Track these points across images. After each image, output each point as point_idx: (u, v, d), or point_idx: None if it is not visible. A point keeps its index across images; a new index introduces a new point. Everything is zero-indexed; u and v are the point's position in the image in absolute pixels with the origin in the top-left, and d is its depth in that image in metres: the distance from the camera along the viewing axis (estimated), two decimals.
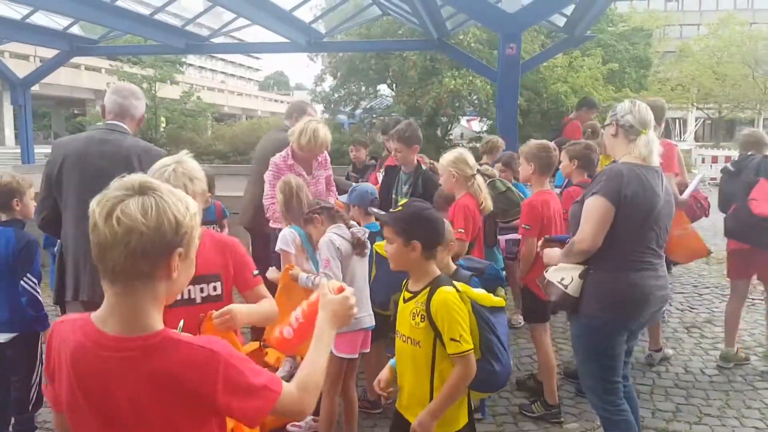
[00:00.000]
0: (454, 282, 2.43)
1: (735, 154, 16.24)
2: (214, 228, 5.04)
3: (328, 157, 4.76)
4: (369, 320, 3.46)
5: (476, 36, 15.57)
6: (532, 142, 4.14)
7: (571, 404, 4.17)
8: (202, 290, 2.37)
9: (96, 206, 1.30)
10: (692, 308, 6.32)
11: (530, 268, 3.88)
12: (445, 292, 2.32)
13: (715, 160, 20.25)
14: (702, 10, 56.45)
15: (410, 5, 9.14)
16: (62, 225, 3.20)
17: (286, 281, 3.56)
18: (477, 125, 25.25)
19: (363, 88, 19.87)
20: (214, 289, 2.39)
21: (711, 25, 41.41)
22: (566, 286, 2.96)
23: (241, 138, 20.49)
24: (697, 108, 44.80)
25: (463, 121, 23.52)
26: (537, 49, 15.83)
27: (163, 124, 23.52)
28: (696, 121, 52.42)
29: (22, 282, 3.28)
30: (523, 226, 3.89)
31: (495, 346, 2.42)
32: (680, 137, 46.73)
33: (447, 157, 3.95)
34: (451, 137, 19.51)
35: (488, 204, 4.00)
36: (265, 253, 4.43)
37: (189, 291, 2.34)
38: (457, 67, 15.97)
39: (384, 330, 3.76)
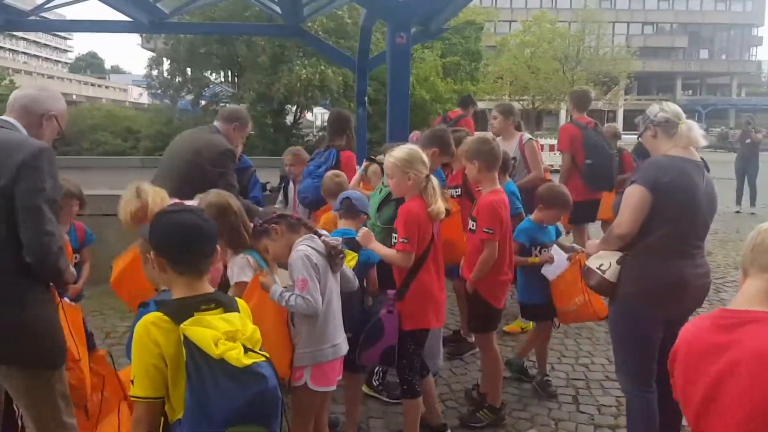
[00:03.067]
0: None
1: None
2: (75, 258, 4.05)
3: None
4: (345, 346, 3.04)
5: (323, 24, 15.32)
6: (469, 138, 3.93)
7: (520, 407, 4.10)
8: None
9: None
10: None
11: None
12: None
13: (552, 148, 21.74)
14: (513, 7, 60.76)
15: None
16: None
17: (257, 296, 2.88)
18: (310, 115, 25.13)
19: (208, 73, 18.84)
20: None
21: (525, 22, 44.92)
22: (604, 272, 3.04)
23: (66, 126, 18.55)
24: (513, 99, 48.32)
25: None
26: (381, 38, 15.93)
27: None
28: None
29: None
30: (484, 230, 3.56)
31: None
32: None
33: (398, 155, 3.26)
34: (300, 126, 19.19)
35: (440, 209, 3.29)
36: None
37: None
38: (306, 55, 15.66)
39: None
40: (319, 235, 2.96)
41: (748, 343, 1.56)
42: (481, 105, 40.29)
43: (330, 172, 4.56)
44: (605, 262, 3.08)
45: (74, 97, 48.59)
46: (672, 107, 3.14)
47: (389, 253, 3.30)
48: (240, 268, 3.00)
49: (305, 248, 2.86)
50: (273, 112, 16.65)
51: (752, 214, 11.99)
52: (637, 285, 3.02)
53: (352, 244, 3.29)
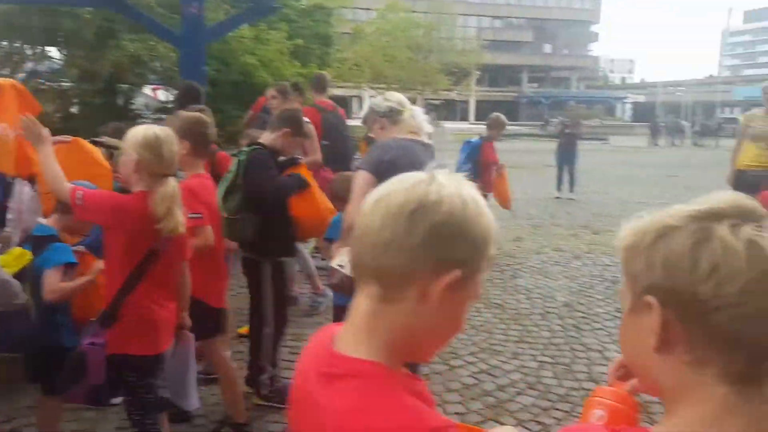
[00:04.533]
0: None
1: None
2: None
3: None
4: None
5: None
6: (183, 114, 3.44)
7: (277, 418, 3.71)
8: None
9: None
10: None
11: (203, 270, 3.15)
12: None
13: None
14: None
15: None
16: None
17: None
18: (163, 95, 23.73)
19: (28, 48, 17.10)
20: None
21: (380, 9, 45.42)
22: (343, 267, 2.94)
23: None
24: (371, 87, 48.80)
25: (148, 89, 21.85)
26: (221, 17, 15.27)
27: None
28: (370, 99, 57.36)
29: None
30: (190, 215, 2.89)
31: None
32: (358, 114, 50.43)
33: (136, 134, 2.59)
34: (133, 107, 17.98)
35: (170, 224, 2.56)
36: None
37: None
38: (136, 30, 14.64)
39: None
40: None
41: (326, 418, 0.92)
42: (339, 92, 40.23)
43: None
44: (344, 258, 2.93)
45: None
46: (396, 96, 3.21)
47: None
48: None
49: None
50: (101, 92, 15.44)
51: (571, 199, 12.82)
52: None
53: (39, 242, 2.89)
